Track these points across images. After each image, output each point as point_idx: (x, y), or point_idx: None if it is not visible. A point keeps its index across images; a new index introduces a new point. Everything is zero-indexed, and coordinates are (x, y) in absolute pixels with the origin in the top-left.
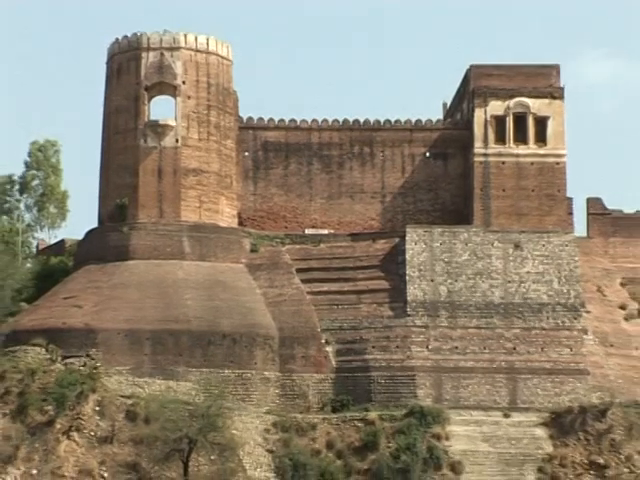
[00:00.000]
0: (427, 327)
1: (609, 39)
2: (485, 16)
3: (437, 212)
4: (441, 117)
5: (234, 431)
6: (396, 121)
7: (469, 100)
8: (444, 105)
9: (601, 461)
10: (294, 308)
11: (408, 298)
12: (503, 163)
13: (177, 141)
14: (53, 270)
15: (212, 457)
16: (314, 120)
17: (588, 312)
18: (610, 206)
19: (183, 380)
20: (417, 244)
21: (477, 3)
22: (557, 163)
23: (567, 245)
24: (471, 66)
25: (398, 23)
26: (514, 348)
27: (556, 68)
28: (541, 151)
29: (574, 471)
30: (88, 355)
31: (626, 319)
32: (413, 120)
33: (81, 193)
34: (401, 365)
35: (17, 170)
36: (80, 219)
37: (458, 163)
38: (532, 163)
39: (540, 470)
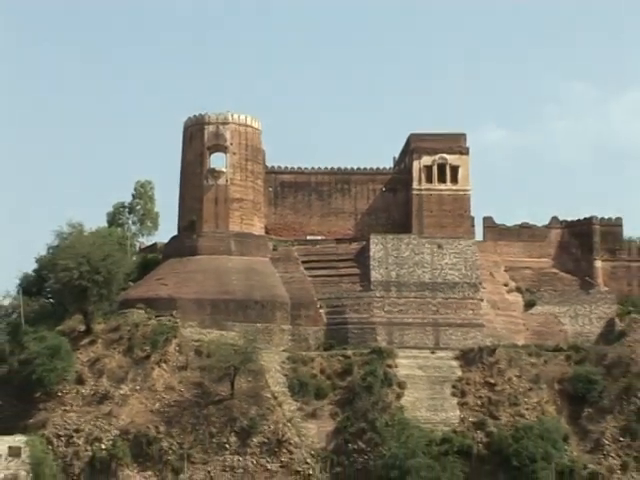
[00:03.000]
0: (383, 297)
1: (498, 117)
2: (421, 102)
3: (390, 225)
4: (392, 166)
5: (262, 362)
6: (364, 168)
7: (410, 155)
8: (394, 158)
9: (492, 381)
10: (300, 285)
11: (372, 279)
12: (431, 195)
13: (227, 181)
14: (149, 262)
15: (249, 379)
16: (312, 167)
17: (484, 288)
18: (498, 221)
19: (231, 330)
20: (377, 245)
21: (416, 100)
22: (464, 195)
23: (471, 246)
24: (411, 134)
25: (370, 103)
26: (438, 310)
27: (464, 135)
28: (454, 187)
29: (475, 387)
30: (171, 315)
31: (508, 292)
32: (375, 168)
33: (167, 213)
34: (367, 321)
35: (127, 198)
36: (166, 230)
37: (403, 195)
38: (449, 195)
39: (454, 387)
